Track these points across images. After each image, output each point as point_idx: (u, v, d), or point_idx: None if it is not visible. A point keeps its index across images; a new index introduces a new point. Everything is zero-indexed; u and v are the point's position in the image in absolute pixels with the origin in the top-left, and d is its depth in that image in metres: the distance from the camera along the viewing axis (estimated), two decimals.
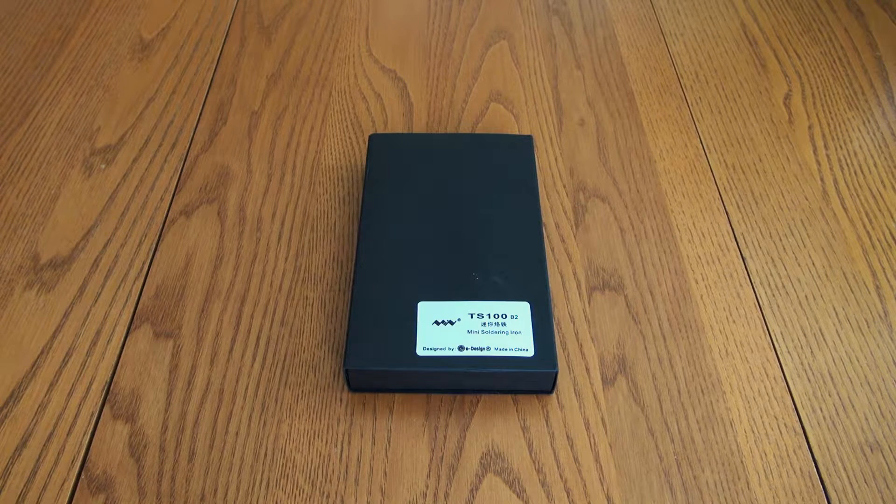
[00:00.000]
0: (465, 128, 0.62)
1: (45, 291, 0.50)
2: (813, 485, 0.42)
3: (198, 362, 0.47)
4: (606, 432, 0.44)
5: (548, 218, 0.55)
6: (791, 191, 0.57)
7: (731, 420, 0.45)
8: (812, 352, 0.48)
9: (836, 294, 0.51)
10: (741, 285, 0.51)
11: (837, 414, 0.45)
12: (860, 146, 0.61)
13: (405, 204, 0.51)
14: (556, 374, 0.44)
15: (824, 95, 0.65)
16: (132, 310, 0.49)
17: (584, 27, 0.72)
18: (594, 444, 0.43)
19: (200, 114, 0.63)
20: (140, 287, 0.51)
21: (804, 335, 0.49)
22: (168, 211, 0.55)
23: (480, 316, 0.45)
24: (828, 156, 0.60)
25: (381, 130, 0.61)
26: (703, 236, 0.54)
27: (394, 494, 0.41)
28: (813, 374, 0.47)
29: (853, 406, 0.45)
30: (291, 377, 0.46)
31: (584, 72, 0.67)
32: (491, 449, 0.43)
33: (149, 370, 0.46)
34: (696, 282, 0.51)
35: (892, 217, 0.56)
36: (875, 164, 0.59)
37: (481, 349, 0.43)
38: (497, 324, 0.44)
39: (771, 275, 0.52)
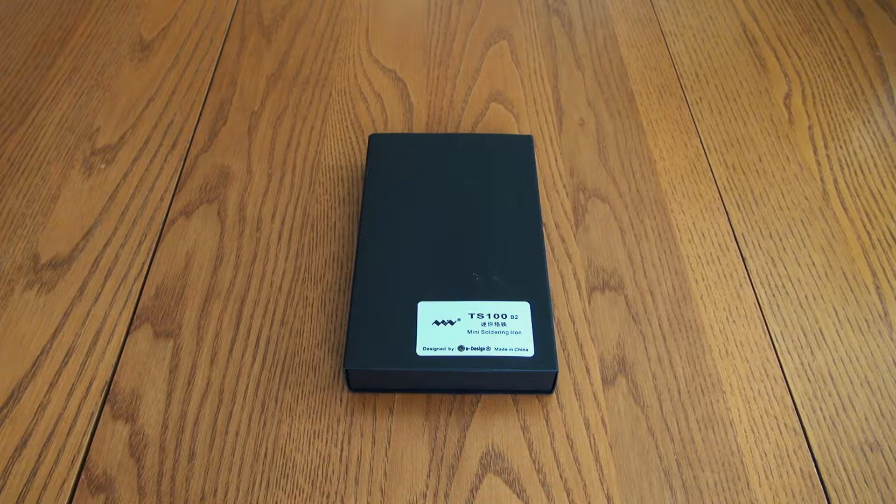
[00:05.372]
0: (465, 128, 0.62)
1: (45, 291, 0.50)
2: (813, 485, 0.42)
3: (198, 362, 0.47)
4: (606, 432, 0.44)
5: (548, 218, 0.55)
6: (791, 191, 0.57)
7: (731, 420, 0.45)
8: (812, 352, 0.48)
9: (836, 294, 0.51)
10: (741, 285, 0.51)
11: (837, 414, 0.45)
12: (860, 146, 0.61)
13: (405, 204, 0.51)
14: (556, 374, 0.44)
15: (824, 95, 0.65)
16: (132, 310, 0.49)
17: (584, 27, 0.72)
18: (594, 444, 0.43)
19: (200, 114, 0.63)
20: (140, 287, 0.51)
21: (804, 335, 0.49)
22: (168, 211, 0.55)
23: (480, 316, 0.45)
24: (828, 156, 0.60)
25: (381, 130, 0.61)
26: (703, 236, 0.54)
27: (394, 494, 0.41)
28: (813, 374, 0.47)
29: (853, 406, 0.45)
30: (291, 377, 0.46)
31: (584, 72, 0.67)
32: (491, 449, 0.43)
33: (149, 370, 0.46)
34: (696, 282, 0.51)
35: (892, 217, 0.56)
36: (875, 164, 0.59)
37: (481, 349, 0.43)
38: (497, 324, 0.44)
39: (771, 275, 0.52)
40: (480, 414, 0.45)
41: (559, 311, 0.50)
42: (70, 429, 0.44)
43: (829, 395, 0.46)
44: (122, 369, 0.46)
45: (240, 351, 0.47)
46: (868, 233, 0.54)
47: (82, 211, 0.55)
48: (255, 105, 0.63)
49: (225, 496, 0.41)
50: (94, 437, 0.43)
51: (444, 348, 0.43)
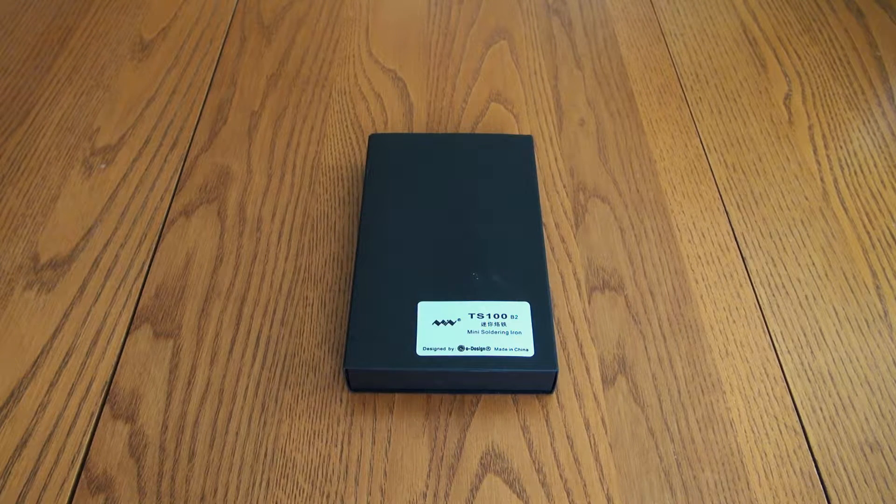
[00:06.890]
0: (465, 128, 0.62)
1: (45, 291, 0.50)
2: (813, 485, 0.42)
3: (198, 362, 0.47)
4: (606, 432, 0.44)
5: (548, 218, 0.55)
6: (791, 191, 0.57)
7: (731, 420, 0.45)
8: (812, 352, 0.48)
9: (836, 294, 0.51)
10: (741, 285, 0.51)
11: (837, 414, 0.45)
12: (860, 146, 0.61)
13: (405, 204, 0.51)
14: (556, 374, 0.44)
15: (824, 95, 0.65)
16: (132, 310, 0.49)
17: (584, 27, 0.72)
18: (594, 444, 0.43)
19: (200, 114, 0.63)
20: (140, 287, 0.51)
21: (804, 335, 0.49)
22: (168, 211, 0.55)
23: (480, 316, 0.45)
24: (828, 156, 0.60)
25: (381, 130, 0.61)
26: (703, 236, 0.54)
27: (394, 494, 0.41)
28: (813, 374, 0.47)
29: (853, 406, 0.45)
30: (291, 377, 0.46)
31: (584, 72, 0.67)
32: (491, 449, 0.43)
33: (149, 370, 0.46)
34: (696, 282, 0.51)
35: (892, 217, 0.56)
36: (875, 164, 0.59)
37: (481, 349, 0.43)
38: (497, 324, 0.44)
39: (771, 275, 0.52)
40: (480, 414, 0.45)
41: (559, 311, 0.50)
42: (70, 429, 0.44)
43: (829, 395, 0.46)
44: (122, 369, 0.46)
45: (240, 351, 0.47)
46: (868, 233, 0.54)
47: (82, 211, 0.55)
48: (255, 105, 0.63)
49: (225, 496, 0.41)
50: (94, 437, 0.43)
51: (444, 348, 0.43)
